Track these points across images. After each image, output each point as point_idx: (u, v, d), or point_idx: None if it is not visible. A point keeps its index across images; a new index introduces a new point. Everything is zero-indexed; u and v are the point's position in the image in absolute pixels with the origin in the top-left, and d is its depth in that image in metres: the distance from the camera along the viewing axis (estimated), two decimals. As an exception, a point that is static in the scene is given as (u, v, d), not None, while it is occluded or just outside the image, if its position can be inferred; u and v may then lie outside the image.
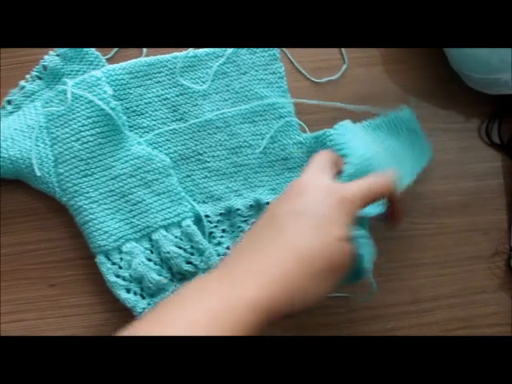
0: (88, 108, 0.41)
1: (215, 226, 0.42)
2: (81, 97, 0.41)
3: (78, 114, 0.41)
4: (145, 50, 0.45)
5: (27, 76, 0.44)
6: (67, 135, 0.41)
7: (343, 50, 0.46)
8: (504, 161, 0.46)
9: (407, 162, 0.42)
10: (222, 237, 0.42)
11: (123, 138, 0.42)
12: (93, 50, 0.44)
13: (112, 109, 0.41)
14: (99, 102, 0.40)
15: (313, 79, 0.46)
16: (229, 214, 0.43)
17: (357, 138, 0.40)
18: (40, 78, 0.44)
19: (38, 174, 0.40)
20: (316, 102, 0.43)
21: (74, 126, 0.41)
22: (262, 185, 0.43)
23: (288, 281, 0.29)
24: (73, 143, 0.41)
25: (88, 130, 0.41)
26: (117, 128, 0.41)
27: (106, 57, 0.45)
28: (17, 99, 0.43)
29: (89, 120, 0.41)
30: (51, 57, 0.44)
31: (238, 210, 0.43)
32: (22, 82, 0.44)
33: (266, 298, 0.28)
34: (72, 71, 0.44)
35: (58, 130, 0.41)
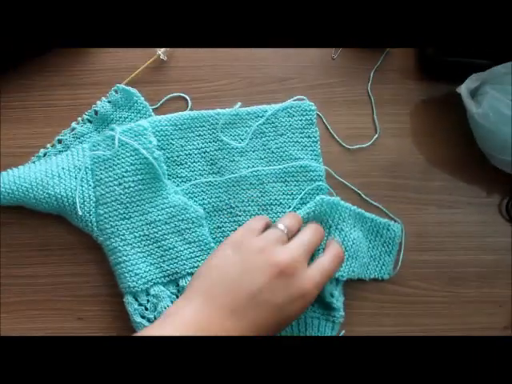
0: (132, 155, 0.43)
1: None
2: (127, 144, 0.44)
3: (123, 160, 0.44)
4: (190, 103, 0.48)
5: (79, 118, 0.47)
6: (110, 179, 0.44)
7: (376, 120, 0.49)
8: (521, 237, 0.48)
9: (355, 260, 0.43)
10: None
11: (162, 186, 0.44)
12: (142, 99, 0.47)
13: (155, 158, 0.43)
14: (143, 151, 0.43)
15: (345, 145, 0.48)
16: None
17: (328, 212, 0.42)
18: (90, 122, 0.47)
19: (80, 213, 0.43)
20: (342, 180, 0.47)
21: (118, 170, 0.44)
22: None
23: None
24: (115, 187, 0.43)
25: (130, 176, 0.43)
26: (157, 176, 0.44)
27: (153, 107, 0.48)
28: (67, 139, 0.46)
29: (132, 167, 0.43)
30: (103, 103, 0.47)
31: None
32: (74, 124, 0.47)
33: None
34: (120, 117, 0.47)
35: (102, 173, 0.44)
